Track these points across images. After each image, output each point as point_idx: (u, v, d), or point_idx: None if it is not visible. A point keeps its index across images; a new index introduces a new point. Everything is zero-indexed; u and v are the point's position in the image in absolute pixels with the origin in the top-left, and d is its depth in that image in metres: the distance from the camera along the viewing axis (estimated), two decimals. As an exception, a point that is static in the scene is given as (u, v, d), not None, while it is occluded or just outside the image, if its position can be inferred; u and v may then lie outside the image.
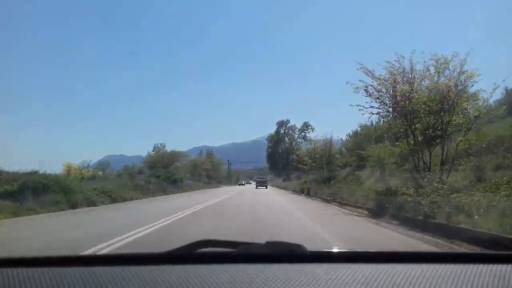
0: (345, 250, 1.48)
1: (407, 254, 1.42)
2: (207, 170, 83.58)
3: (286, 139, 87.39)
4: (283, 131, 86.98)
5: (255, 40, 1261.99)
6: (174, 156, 65.91)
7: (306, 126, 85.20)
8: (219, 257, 1.34)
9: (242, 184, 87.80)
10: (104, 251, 6.16)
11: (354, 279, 1.13)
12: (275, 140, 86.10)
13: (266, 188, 57.63)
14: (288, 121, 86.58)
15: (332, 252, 1.46)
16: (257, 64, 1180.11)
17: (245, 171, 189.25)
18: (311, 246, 1.38)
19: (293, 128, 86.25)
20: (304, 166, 37.14)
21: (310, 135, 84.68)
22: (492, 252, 2.69)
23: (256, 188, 57.32)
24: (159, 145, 70.77)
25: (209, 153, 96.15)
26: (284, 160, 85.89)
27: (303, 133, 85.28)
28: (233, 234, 8.13)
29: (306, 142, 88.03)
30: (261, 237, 2.00)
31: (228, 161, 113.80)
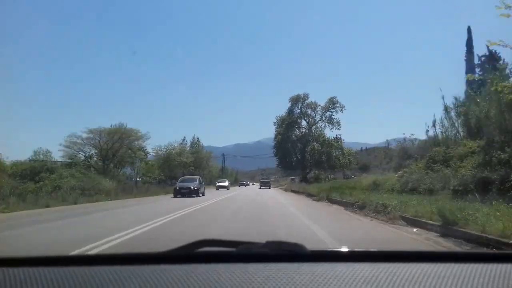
0: (345, 250, 1.44)
1: (407, 253, 1.39)
2: (186, 166, 57.11)
3: (303, 122, 60.83)
4: (298, 110, 60.38)
5: (260, 40, 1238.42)
6: (122, 135, 39.52)
7: (332, 103, 58.69)
8: (219, 257, 1.33)
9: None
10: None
11: (354, 278, 1.12)
12: (287, 123, 59.45)
13: (269, 188, 57.13)
14: (306, 95, 60.02)
15: (332, 251, 1.46)
16: (260, 65, 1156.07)
17: (248, 172, 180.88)
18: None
19: (313, 106, 59.63)
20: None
21: (339, 116, 58.87)
22: (492, 251, 2.76)
23: (260, 188, 56.77)
24: (117, 125, 44.12)
25: (195, 142, 69.90)
26: (299, 152, 59.49)
27: (328, 113, 58.85)
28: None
29: (332, 127, 61.93)
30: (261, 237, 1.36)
31: (223, 155, 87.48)
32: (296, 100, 59.93)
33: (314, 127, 60.17)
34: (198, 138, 70.53)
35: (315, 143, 56.03)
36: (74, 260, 1.39)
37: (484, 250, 5.11)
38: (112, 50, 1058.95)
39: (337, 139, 57.15)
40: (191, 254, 1.36)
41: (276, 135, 61.01)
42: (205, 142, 79.69)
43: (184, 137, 69.72)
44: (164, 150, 55.13)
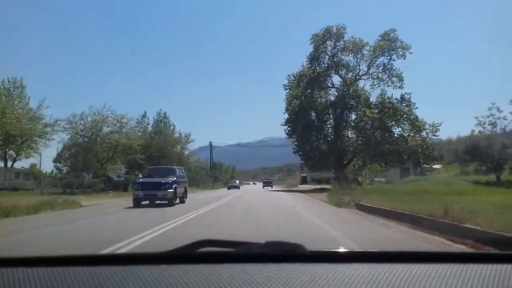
0: (345, 250, 1.44)
1: (407, 254, 1.39)
2: (130, 153, 32.11)
3: (337, 78, 35.62)
4: (328, 55, 35.00)
5: (262, 40, 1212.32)
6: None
7: (388, 40, 33.33)
8: (219, 257, 1.33)
9: None
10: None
11: (354, 279, 1.13)
12: (309, 80, 34.25)
13: (272, 187, 52.85)
14: (341, 29, 34.55)
15: (332, 251, 1.45)
16: (261, 64, 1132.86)
17: (250, 170, 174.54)
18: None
19: (356, 46, 34.19)
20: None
21: (400, 65, 33.85)
22: (492, 252, 2.74)
23: (263, 187, 52.89)
24: None
25: (160, 119, 44.63)
26: (333, 127, 34.33)
27: (382, 59, 33.53)
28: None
29: (390, 84, 35.80)
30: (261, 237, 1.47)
31: (210, 143, 62.39)
32: (323, 39, 34.52)
33: (354, 87, 34.83)
34: (165, 113, 45.20)
35: (365, 108, 30.51)
36: (74, 260, 1.36)
37: (484, 250, 4.93)
38: (111, 49, 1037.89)
39: (405, 100, 31.65)
40: (191, 254, 1.36)
41: (288, 102, 35.73)
42: (206, 141, 58.08)
43: (145, 112, 44.54)
44: (83, 123, 29.96)
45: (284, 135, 37.72)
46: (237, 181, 56.03)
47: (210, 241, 1.39)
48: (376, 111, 29.14)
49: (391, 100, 31.12)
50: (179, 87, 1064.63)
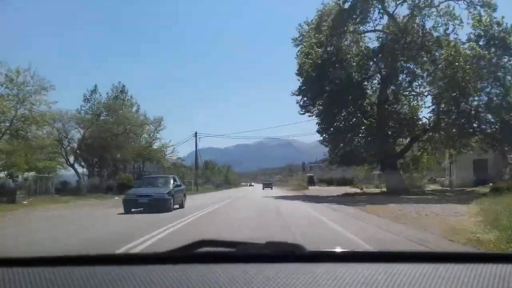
0: (345, 250, 1.46)
1: (407, 254, 1.41)
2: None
3: (378, 15, 22.31)
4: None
5: (263, 39, 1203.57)
6: None
7: None
8: (219, 257, 1.34)
9: None
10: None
11: (354, 279, 1.14)
12: (339, 13, 20.97)
13: (272, 189, 54.44)
14: None
15: (332, 252, 1.45)
16: (263, 66, 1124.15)
17: (251, 172, 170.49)
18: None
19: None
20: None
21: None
22: (492, 252, 2.65)
23: (263, 189, 54.67)
24: None
25: (117, 93, 31.29)
26: (376, 82, 21.11)
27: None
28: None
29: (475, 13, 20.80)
30: (261, 237, 1.39)
31: (196, 133, 48.67)
32: None
33: (410, 25, 21.49)
34: (123, 87, 31.83)
35: (455, 43, 17.09)
36: (74, 260, 1.37)
37: (484, 250, 4.90)
38: (113, 51, 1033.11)
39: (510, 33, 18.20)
40: (190, 254, 1.35)
41: (305, 54, 22.49)
42: (205, 143, 46.63)
43: (95, 86, 31.29)
44: None
45: (283, 134, 24.87)
46: (172, 181, 14.82)
47: (209, 241, 1.37)
48: (480, 43, 15.80)
49: (503, 28, 17.56)
50: (179, 87, 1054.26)
